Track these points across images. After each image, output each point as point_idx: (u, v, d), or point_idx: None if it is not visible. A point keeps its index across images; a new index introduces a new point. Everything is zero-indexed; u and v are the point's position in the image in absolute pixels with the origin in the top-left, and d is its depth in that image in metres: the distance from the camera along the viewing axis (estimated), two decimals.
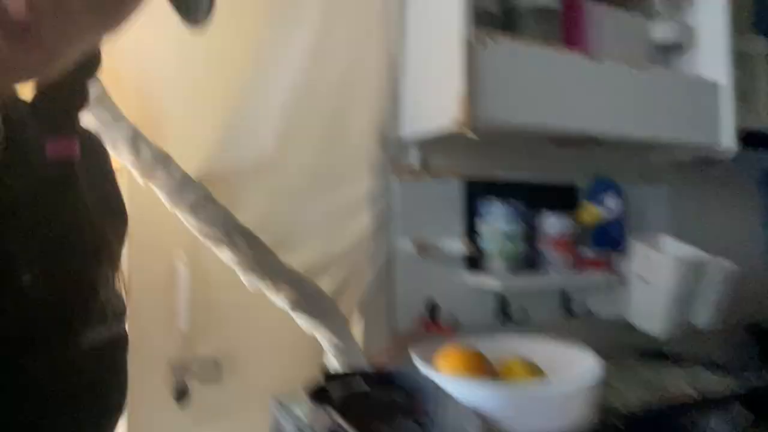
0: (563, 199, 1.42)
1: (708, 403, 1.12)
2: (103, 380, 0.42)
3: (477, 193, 1.30)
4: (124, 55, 0.91)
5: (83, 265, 0.39)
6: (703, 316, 1.45)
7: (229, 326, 1.19)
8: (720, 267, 1.44)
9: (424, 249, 1.21)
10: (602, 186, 1.41)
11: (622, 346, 1.47)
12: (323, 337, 1.08)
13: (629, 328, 1.43)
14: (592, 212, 1.40)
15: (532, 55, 1.17)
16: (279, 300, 1.04)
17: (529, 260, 1.32)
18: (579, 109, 1.24)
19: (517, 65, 1.15)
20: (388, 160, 1.21)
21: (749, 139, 1.91)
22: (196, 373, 1.15)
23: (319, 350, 1.13)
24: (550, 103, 1.19)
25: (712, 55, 1.53)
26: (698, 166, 1.69)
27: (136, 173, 0.93)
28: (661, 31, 1.52)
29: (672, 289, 1.33)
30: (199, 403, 1.18)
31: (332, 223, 1.14)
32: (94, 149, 0.47)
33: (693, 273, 1.36)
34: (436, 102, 1.13)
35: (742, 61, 1.86)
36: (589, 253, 1.38)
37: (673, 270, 1.33)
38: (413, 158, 1.27)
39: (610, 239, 1.44)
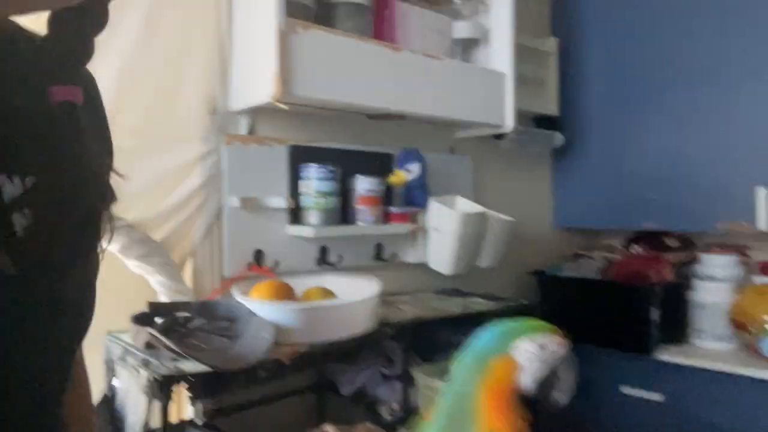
0: (379, 165, 1.70)
1: (464, 318, 1.46)
2: (87, 298, 0.46)
3: (300, 158, 1.53)
4: None
5: (88, 195, 0.43)
6: (486, 258, 1.83)
7: None
8: (499, 220, 1.82)
9: (249, 205, 1.43)
10: (407, 154, 1.71)
11: (421, 283, 1.81)
12: (154, 279, 1.26)
13: (428, 270, 1.77)
14: (399, 176, 1.69)
15: (340, 44, 1.41)
16: (112, 247, 1.19)
17: (343, 214, 1.58)
18: (381, 90, 1.51)
19: (327, 51, 1.39)
20: (217, 128, 1.40)
21: (541, 121, 2.36)
22: None
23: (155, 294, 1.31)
24: (356, 84, 1.45)
25: (500, 51, 1.89)
26: (492, 141, 2.06)
27: None
28: (461, 28, 1.85)
29: (457, 237, 1.68)
30: None
31: (164, 182, 1.31)
32: (91, 93, 0.50)
33: (475, 224, 1.72)
34: (257, 79, 1.33)
35: (537, 57, 2.28)
36: (395, 209, 1.67)
37: (457, 222, 1.67)
38: (242, 127, 1.46)
39: (413, 198, 1.75)
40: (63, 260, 0.41)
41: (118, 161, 1.25)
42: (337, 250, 1.62)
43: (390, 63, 1.52)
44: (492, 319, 1.64)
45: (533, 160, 2.36)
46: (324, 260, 1.59)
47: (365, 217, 1.60)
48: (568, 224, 2.43)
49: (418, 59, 1.60)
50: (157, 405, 0.91)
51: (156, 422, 0.96)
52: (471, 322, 1.52)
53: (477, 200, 1.94)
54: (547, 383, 0.73)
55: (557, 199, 2.44)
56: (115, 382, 1.11)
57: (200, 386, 0.93)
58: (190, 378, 0.92)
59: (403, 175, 1.70)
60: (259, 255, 1.46)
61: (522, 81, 2.13)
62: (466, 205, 1.79)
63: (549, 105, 2.31)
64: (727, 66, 1.94)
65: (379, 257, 1.74)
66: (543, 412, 0.73)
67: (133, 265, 1.24)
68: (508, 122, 1.87)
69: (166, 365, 0.95)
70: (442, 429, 0.70)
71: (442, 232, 1.70)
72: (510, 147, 2.11)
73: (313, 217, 1.50)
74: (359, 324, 1.21)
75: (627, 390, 1.97)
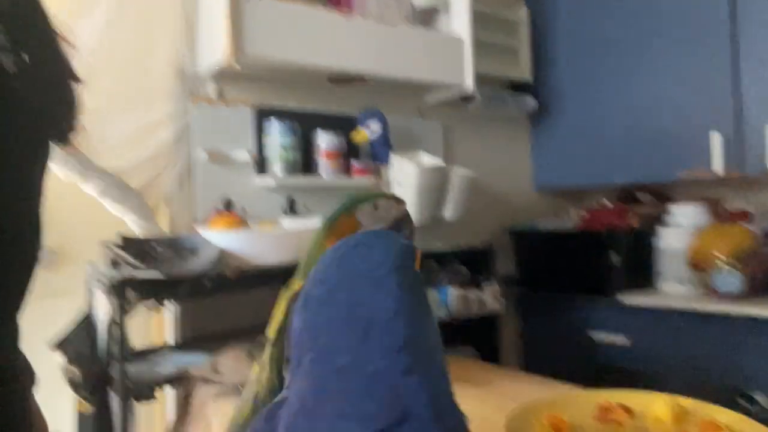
0: (342, 125, 1.85)
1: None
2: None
3: (265, 118, 1.70)
4: None
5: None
6: (450, 211, 1.95)
7: (62, 224, 1.52)
8: (460, 174, 1.94)
9: (216, 158, 1.60)
10: (368, 114, 1.86)
11: None
12: (129, 219, 1.44)
13: None
14: (361, 134, 1.84)
15: (293, 10, 1.57)
16: (89, 189, 1.39)
17: (306, 166, 1.74)
18: (336, 52, 1.66)
19: (281, 17, 1.55)
20: (186, 90, 1.58)
21: (516, 86, 2.46)
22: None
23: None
24: (309, 46, 1.61)
25: (459, 17, 2.01)
26: (461, 105, 2.19)
27: None
28: None
29: (417, 189, 1.81)
30: (39, 286, 1.50)
31: (137, 136, 1.49)
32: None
33: (434, 177, 1.85)
34: (215, 43, 1.50)
35: (508, 26, 2.39)
36: (357, 164, 1.82)
37: (416, 174, 1.80)
38: (210, 90, 1.64)
39: (377, 155, 1.89)
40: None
41: (95, 119, 1.44)
42: (303, 200, 1.78)
43: (343, 28, 1.67)
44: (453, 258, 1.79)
45: (511, 126, 2.46)
46: (291, 210, 1.75)
47: (327, 170, 1.75)
48: (547, 185, 2.52)
49: (371, 25, 1.74)
50: (114, 303, 1.09)
51: (116, 326, 1.14)
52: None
53: (450, 163, 2.07)
54: None
55: (536, 162, 2.54)
56: (93, 302, 1.30)
57: (147, 289, 1.10)
58: (139, 282, 1.09)
59: (365, 133, 1.84)
60: (228, 204, 1.63)
61: (494, 49, 2.25)
62: (428, 161, 1.92)
63: (522, 71, 2.41)
64: (679, 22, 2.01)
65: None
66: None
67: (111, 207, 1.43)
68: (468, 83, 1.99)
69: (123, 274, 1.13)
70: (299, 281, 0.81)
71: (404, 185, 1.84)
72: (478, 111, 2.23)
73: (276, 168, 1.66)
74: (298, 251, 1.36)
75: (595, 335, 2.06)
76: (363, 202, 0.80)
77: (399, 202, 0.82)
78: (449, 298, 1.62)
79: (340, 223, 0.80)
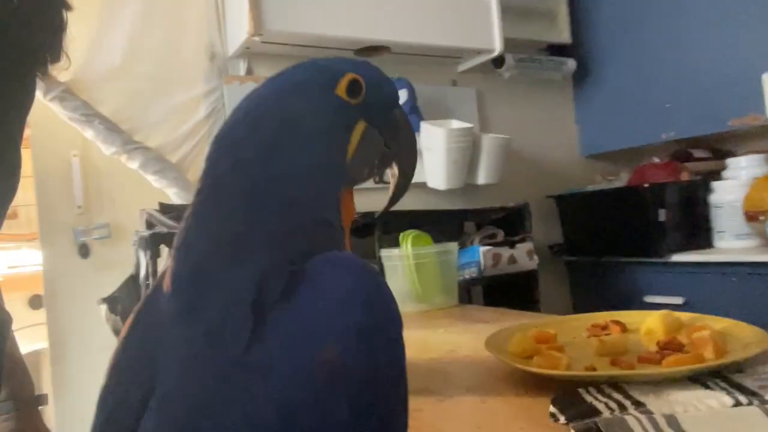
0: None
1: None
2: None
3: None
4: None
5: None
6: (482, 175, 1.94)
7: (117, 200, 1.66)
8: (492, 137, 1.93)
9: None
10: (396, 84, 1.88)
11: (422, 203, 1.96)
12: (170, 191, 1.56)
13: (428, 190, 1.92)
14: None
15: None
16: (132, 164, 1.51)
17: None
18: (360, 21, 1.71)
19: None
20: (217, 71, 1.68)
21: (555, 50, 2.40)
22: (95, 236, 1.62)
23: None
24: (333, 17, 1.66)
25: None
26: (492, 70, 2.16)
27: None
28: None
29: (445, 153, 1.82)
30: (98, 257, 1.64)
31: (174, 115, 1.61)
32: None
33: (462, 140, 1.84)
34: (242, 22, 1.59)
35: None
36: None
37: (444, 138, 1.81)
38: (241, 69, 1.73)
39: None
40: None
41: (137, 101, 1.55)
42: None
43: None
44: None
45: (552, 90, 2.40)
46: None
47: None
48: (594, 149, 2.43)
49: None
50: (147, 256, 1.19)
51: (152, 276, 1.24)
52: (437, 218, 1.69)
53: (486, 130, 2.06)
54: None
55: (582, 126, 2.46)
56: (138, 263, 1.41)
57: None
58: (169, 236, 1.18)
59: None
60: None
61: (531, 13, 2.22)
62: (456, 125, 1.92)
63: (561, 34, 2.35)
64: None
65: (381, 180, 1.92)
66: None
67: (152, 180, 1.55)
68: (497, 47, 1.97)
69: (155, 231, 1.23)
70: None
71: (433, 150, 1.85)
72: (512, 75, 2.20)
73: None
74: None
75: (649, 299, 1.96)
76: None
77: None
78: (480, 256, 1.61)
79: None
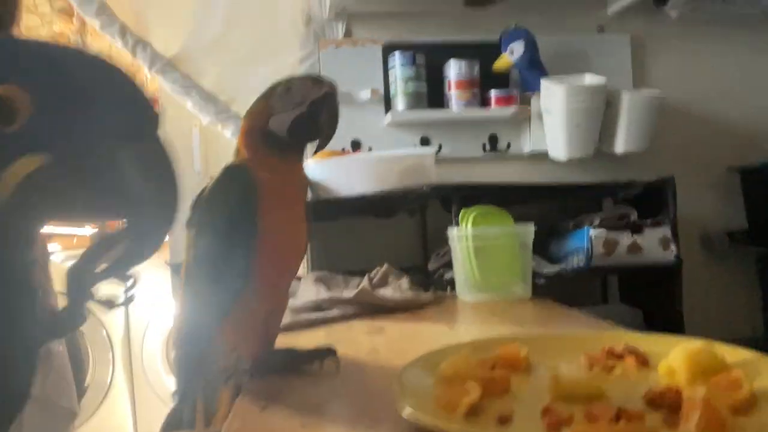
0: (482, 53, 1.65)
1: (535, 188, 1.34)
2: None
3: (391, 53, 1.63)
4: None
5: None
6: (621, 142, 1.58)
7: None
8: (635, 95, 1.54)
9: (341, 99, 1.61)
10: (511, 36, 1.62)
11: (539, 175, 1.67)
12: None
13: (548, 161, 1.63)
14: (501, 59, 1.62)
15: None
16: (226, 132, 1.57)
17: (436, 101, 1.62)
18: None
19: None
20: (314, 34, 1.63)
21: None
22: None
23: None
24: None
25: None
26: (653, 9, 1.72)
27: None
28: None
29: (565, 115, 1.51)
30: None
31: (271, 82, 1.61)
32: None
33: (589, 99, 1.51)
34: None
35: None
36: (498, 93, 1.61)
37: (563, 96, 1.50)
38: (338, 32, 1.66)
39: (524, 81, 1.64)
40: None
41: (233, 71, 1.59)
42: (440, 140, 1.67)
43: None
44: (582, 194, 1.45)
45: (741, 32, 1.83)
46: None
47: (458, 102, 1.60)
48: None
49: None
50: None
51: None
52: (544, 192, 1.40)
53: (641, 85, 1.68)
54: (299, 127, 0.70)
55: None
56: None
57: None
58: None
59: (506, 57, 1.61)
60: (355, 144, 1.64)
61: None
62: (589, 81, 1.58)
63: None
64: None
65: (494, 148, 1.70)
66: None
67: None
68: None
69: None
70: None
71: (552, 112, 1.56)
72: (683, 14, 1.72)
73: (399, 103, 1.59)
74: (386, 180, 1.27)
75: None
76: (278, 86, 0.71)
77: (317, 82, 0.70)
78: (588, 242, 1.31)
79: (253, 108, 0.73)
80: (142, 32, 1.55)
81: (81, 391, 2.41)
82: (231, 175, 0.69)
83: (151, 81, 1.60)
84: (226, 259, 0.67)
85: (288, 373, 0.70)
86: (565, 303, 1.31)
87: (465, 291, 1.13)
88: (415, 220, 1.63)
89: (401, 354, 0.72)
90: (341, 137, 1.62)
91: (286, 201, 0.70)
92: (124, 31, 1.50)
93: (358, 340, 0.84)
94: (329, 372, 0.69)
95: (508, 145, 1.70)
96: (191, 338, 0.71)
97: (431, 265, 1.48)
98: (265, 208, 0.67)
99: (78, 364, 2.37)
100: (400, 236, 1.66)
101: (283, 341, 0.89)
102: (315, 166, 1.34)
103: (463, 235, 1.11)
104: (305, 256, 1.64)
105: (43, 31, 2.66)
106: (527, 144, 1.68)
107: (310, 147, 0.75)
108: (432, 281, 1.41)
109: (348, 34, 1.67)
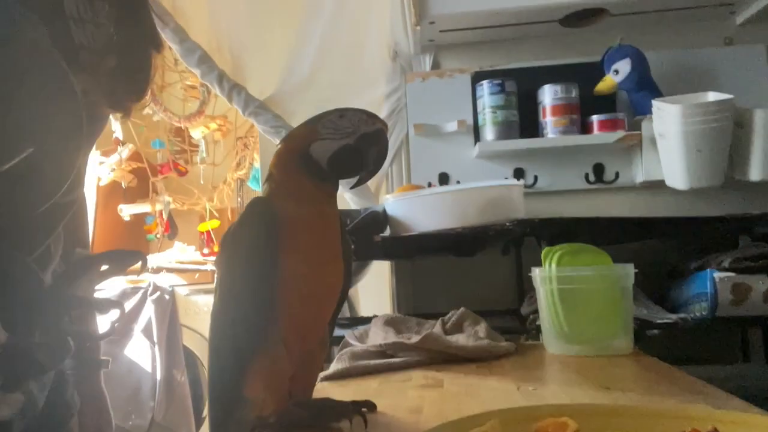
0: (580, 75, 1.49)
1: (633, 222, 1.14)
2: None
3: (479, 83, 1.54)
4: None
5: None
6: (756, 168, 1.32)
7: None
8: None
9: (427, 131, 1.55)
10: (615, 54, 1.45)
11: (649, 209, 1.45)
12: (346, 196, 1.55)
13: (665, 191, 1.42)
14: (605, 81, 1.46)
15: None
16: None
17: (530, 129, 1.49)
18: None
19: None
20: (399, 69, 1.61)
21: None
22: None
23: None
24: None
25: None
26: None
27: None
28: None
29: (681, 137, 1.30)
30: None
31: None
32: None
33: (713, 119, 1.29)
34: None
35: None
36: (598, 117, 1.44)
37: (679, 117, 1.30)
38: (425, 65, 1.62)
39: (633, 103, 1.46)
40: None
41: (322, 110, 1.61)
42: (535, 171, 1.53)
43: None
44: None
45: None
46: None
47: (554, 129, 1.45)
48: None
49: None
50: None
51: None
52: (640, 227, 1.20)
53: None
54: (343, 158, 0.63)
55: None
56: None
57: None
58: None
59: (610, 78, 1.45)
60: (443, 177, 1.56)
61: None
62: (713, 98, 1.36)
63: None
64: None
65: (600, 179, 1.52)
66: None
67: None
68: None
69: None
70: None
71: (666, 136, 1.35)
72: None
73: (488, 133, 1.49)
74: (468, 215, 1.17)
75: None
76: (331, 113, 0.66)
77: (372, 117, 0.65)
78: (713, 287, 1.08)
79: (298, 130, 0.68)
80: (239, 78, 1.63)
81: (199, 421, 2.54)
82: (251, 209, 0.65)
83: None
84: (247, 299, 0.62)
85: (314, 429, 0.62)
86: (686, 360, 1.10)
87: (551, 341, 0.98)
88: (509, 258, 1.49)
89: (445, 416, 0.62)
90: (428, 171, 1.56)
91: (315, 237, 0.64)
92: (221, 78, 1.59)
93: (407, 394, 0.74)
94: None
95: (617, 175, 1.51)
96: (217, 385, 0.66)
97: (524, 310, 1.34)
98: (289, 243, 0.62)
99: (197, 394, 2.51)
100: (494, 276, 1.53)
101: (330, 389, 0.82)
102: (393, 202, 1.28)
103: (546, 276, 0.97)
104: (392, 298, 1.58)
105: (178, 86, 2.95)
106: (639, 173, 1.48)
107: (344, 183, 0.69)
108: (525, 328, 1.26)
109: (436, 66, 1.62)
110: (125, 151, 3.01)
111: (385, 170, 1.60)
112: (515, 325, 1.35)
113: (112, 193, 3.02)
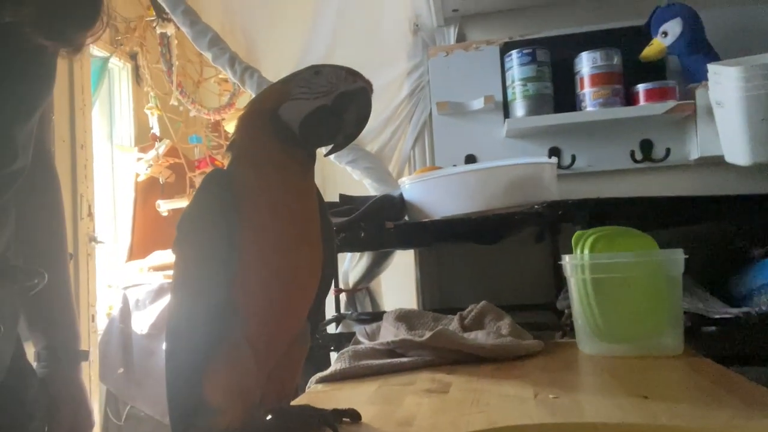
0: (622, 40, 1.33)
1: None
2: None
3: (508, 53, 1.40)
4: None
5: None
6: None
7: (328, 189, 1.66)
8: None
9: (452, 109, 1.43)
10: (664, 15, 1.28)
11: (705, 187, 1.28)
12: (365, 181, 1.45)
13: (715, 165, 1.25)
14: (653, 45, 1.29)
15: None
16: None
17: (565, 103, 1.34)
18: None
19: None
20: (421, 44, 1.49)
21: None
22: None
23: None
24: None
25: None
26: None
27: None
28: None
29: (742, 104, 1.13)
30: None
31: (377, 98, 1.49)
32: None
33: None
34: None
35: None
36: (647, 87, 1.28)
37: (739, 82, 1.12)
38: (449, 37, 1.49)
39: (685, 69, 1.29)
40: None
41: None
42: (573, 150, 1.38)
43: None
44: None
45: None
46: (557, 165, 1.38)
47: (593, 101, 1.30)
48: None
49: None
50: None
51: None
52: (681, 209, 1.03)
53: None
54: (316, 120, 0.53)
55: None
56: None
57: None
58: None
59: (659, 42, 1.28)
60: (470, 159, 1.43)
61: None
62: None
63: None
64: None
65: (648, 156, 1.35)
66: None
67: (348, 170, 1.47)
68: None
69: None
70: None
71: (724, 104, 1.18)
72: None
73: (518, 108, 1.35)
74: (493, 198, 1.04)
75: None
76: (305, 70, 0.57)
77: (353, 74, 0.57)
78: None
79: (267, 90, 0.58)
80: (252, 60, 1.54)
81: None
82: (205, 183, 0.55)
83: None
84: (201, 289, 0.53)
85: None
86: (749, 361, 0.94)
87: (584, 340, 0.84)
88: (545, 246, 1.35)
89: (438, 430, 0.50)
90: (453, 153, 1.44)
91: (283, 213, 0.54)
92: (233, 61, 1.51)
93: (403, 402, 0.63)
94: None
95: (668, 152, 1.34)
96: (174, 389, 0.57)
97: (560, 304, 1.19)
98: (250, 220, 0.52)
99: None
100: (529, 266, 1.40)
101: (323, 393, 0.72)
102: (410, 185, 1.16)
103: (577, 265, 0.83)
104: (417, 291, 1.47)
105: (212, 80, 2.94)
106: (694, 148, 1.30)
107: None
108: (560, 324, 1.12)
109: (461, 38, 1.49)
110: (162, 147, 3.01)
111: (407, 153, 1.49)
112: (549, 321, 1.22)
113: (150, 189, 3.03)
